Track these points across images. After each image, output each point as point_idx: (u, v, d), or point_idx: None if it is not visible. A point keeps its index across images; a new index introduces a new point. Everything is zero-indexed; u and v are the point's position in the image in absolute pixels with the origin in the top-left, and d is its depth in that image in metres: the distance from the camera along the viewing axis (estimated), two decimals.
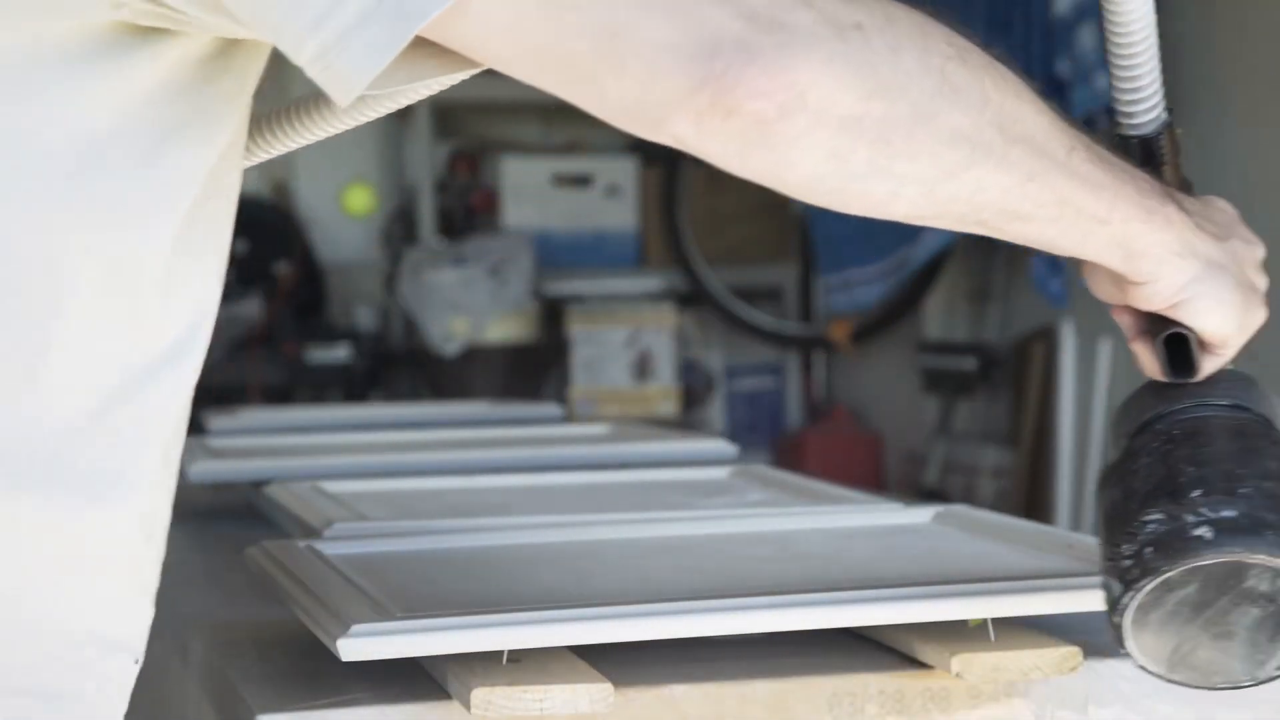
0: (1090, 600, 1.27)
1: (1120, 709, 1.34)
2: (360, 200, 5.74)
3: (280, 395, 5.19)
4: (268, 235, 5.47)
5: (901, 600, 1.33)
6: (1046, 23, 4.18)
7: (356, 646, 1.23)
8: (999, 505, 4.40)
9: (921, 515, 1.76)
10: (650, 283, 5.62)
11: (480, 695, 1.21)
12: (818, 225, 5.27)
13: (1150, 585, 1.12)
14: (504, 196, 5.59)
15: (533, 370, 5.37)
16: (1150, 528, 1.12)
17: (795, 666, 1.33)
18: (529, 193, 5.61)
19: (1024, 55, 4.24)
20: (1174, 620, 1.14)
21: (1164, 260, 1.12)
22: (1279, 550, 1.11)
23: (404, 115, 5.67)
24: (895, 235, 4.82)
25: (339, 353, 5.32)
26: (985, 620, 1.34)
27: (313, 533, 1.68)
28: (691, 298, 5.62)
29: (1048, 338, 4.55)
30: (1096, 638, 1.30)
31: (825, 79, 0.94)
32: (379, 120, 1.17)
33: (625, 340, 5.45)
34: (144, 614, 1.07)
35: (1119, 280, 1.15)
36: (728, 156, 0.96)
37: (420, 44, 0.94)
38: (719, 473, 2.14)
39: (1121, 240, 1.10)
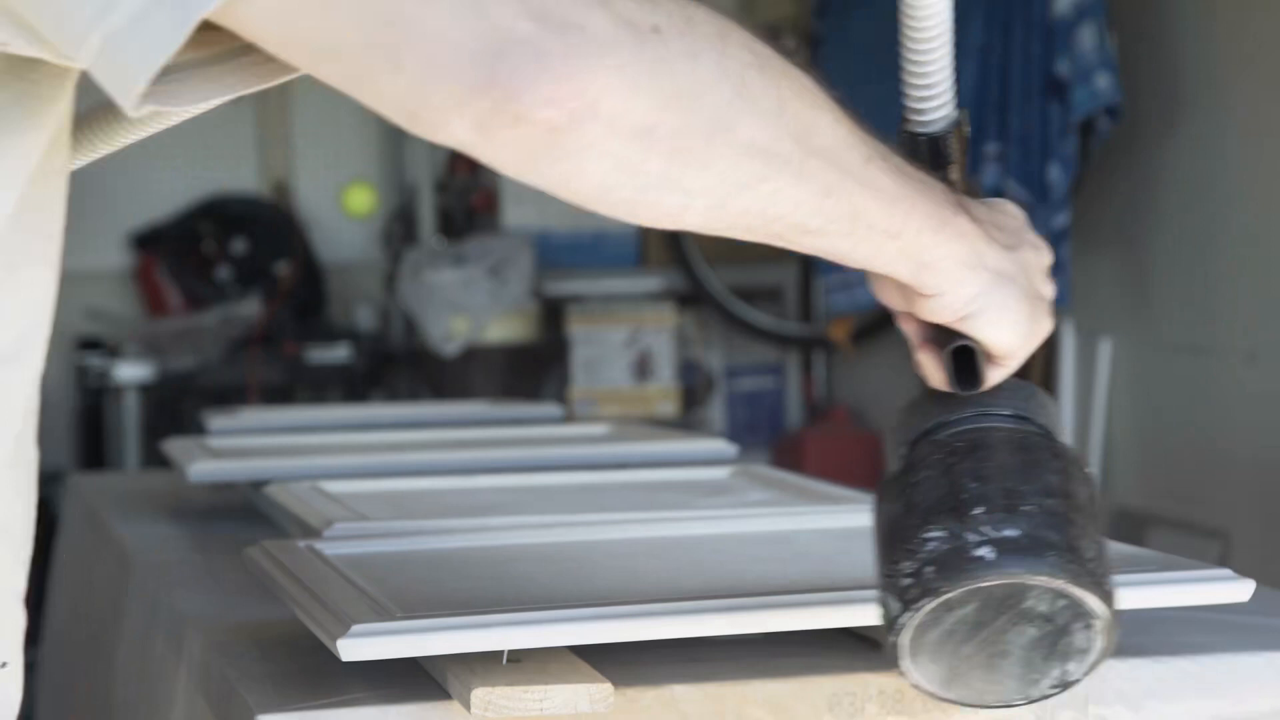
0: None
1: (1120, 708, 1.33)
2: (360, 200, 5.74)
3: (280, 395, 5.19)
4: (268, 235, 5.46)
5: None
6: (1046, 23, 4.18)
7: (356, 646, 1.23)
8: None
9: None
10: (650, 283, 5.61)
11: (480, 695, 1.21)
12: None
13: (930, 605, 1.10)
14: (504, 196, 5.58)
15: (533, 370, 5.37)
16: (931, 545, 1.10)
17: (795, 666, 1.33)
18: (529, 193, 5.54)
19: (1024, 55, 4.23)
20: (951, 639, 1.12)
21: (953, 273, 1.10)
22: (1060, 571, 1.09)
23: None
24: None
25: (339, 353, 5.32)
26: None
27: (313, 533, 1.68)
28: (691, 298, 5.61)
29: (1047, 337, 4.54)
30: None
31: (619, 86, 0.89)
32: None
33: (625, 340, 5.45)
34: (9, 617, 1.03)
35: (906, 290, 1.12)
36: (515, 164, 0.92)
37: (232, 49, 0.91)
38: (719, 473, 2.14)
39: (913, 253, 1.07)
